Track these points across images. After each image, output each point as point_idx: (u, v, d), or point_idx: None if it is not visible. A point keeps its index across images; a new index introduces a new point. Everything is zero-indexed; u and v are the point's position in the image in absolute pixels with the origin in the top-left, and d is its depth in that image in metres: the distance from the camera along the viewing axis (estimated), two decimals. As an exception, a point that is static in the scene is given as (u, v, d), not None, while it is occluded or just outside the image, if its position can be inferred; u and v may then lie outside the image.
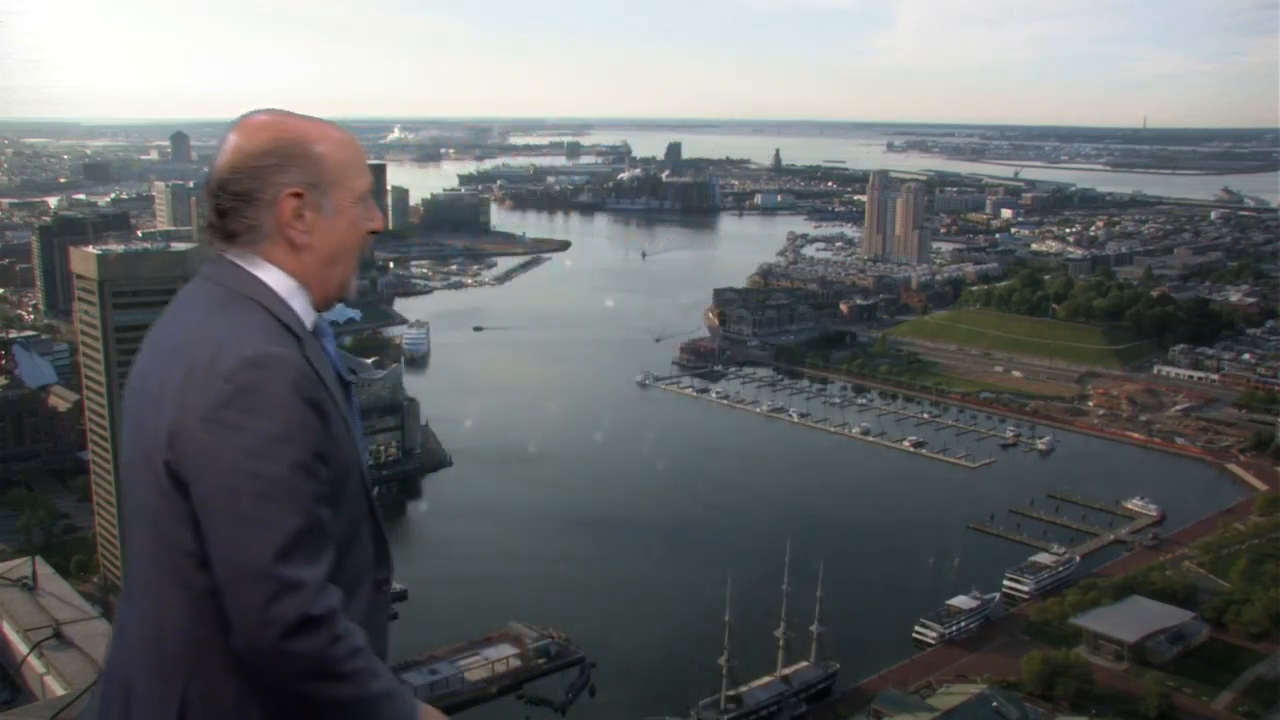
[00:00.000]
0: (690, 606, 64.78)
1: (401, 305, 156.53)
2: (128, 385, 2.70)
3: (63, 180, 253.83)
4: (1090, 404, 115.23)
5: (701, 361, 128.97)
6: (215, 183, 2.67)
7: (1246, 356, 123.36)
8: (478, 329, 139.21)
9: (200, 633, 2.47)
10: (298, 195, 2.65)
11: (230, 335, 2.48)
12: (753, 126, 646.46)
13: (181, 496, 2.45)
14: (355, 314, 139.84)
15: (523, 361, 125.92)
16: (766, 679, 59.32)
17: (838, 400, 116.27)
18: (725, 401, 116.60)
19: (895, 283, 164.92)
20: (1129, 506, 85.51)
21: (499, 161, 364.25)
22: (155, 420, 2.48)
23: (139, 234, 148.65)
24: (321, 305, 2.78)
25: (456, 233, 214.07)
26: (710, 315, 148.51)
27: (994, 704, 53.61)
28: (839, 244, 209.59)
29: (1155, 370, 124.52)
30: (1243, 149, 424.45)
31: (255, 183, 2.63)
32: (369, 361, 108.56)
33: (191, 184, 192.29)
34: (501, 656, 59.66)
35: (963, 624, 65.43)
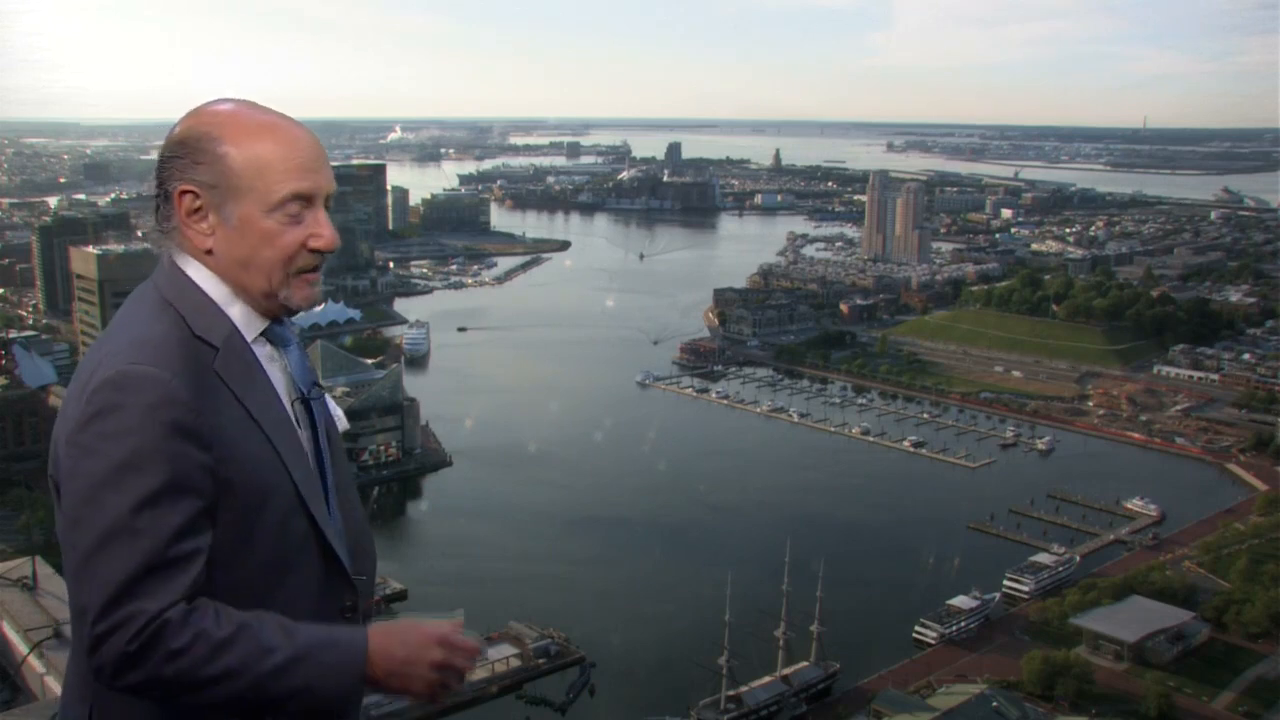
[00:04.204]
0: (690, 606, 64.78)
1: (402, 305, 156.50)
2: None
3: (63, 180, 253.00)
4: (1090, 404, 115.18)
5: (701, 361, 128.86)
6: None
7: (1246, 356, 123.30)
8: (461, 329, 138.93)
9: None
10: (192, 194, 2.43)
11: (116, 348, 2.28)
12: (753, 126, 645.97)
13: None
14: (355, 314, 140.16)
15: (523, 361, 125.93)
16: (766, 679, 59.27)
17: (838, 400, 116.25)
18: (725, 401, 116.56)
19: (895, 283, 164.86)
20: (1129, 506, 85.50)
21: (499, 161, 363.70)
22: (54, 434, 2.35)
23: (139, 234, 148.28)
24: (264, 312, 2.52)
25: (456, 233, 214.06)
26: (710, 315, 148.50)
27: (994, 704, 53.62)
28: (839, 244, 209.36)
29: (1155, 370, 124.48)
30: (1243, 149, 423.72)
31: (164, 174, 2.46)
32: (370, 362, 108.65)
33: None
34: (501, 656, 59.63)
35: (963, 624, 65.39)
